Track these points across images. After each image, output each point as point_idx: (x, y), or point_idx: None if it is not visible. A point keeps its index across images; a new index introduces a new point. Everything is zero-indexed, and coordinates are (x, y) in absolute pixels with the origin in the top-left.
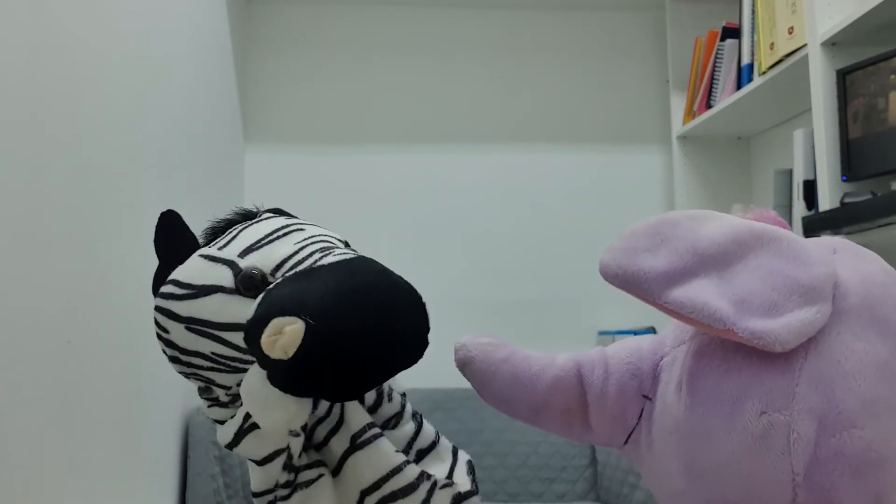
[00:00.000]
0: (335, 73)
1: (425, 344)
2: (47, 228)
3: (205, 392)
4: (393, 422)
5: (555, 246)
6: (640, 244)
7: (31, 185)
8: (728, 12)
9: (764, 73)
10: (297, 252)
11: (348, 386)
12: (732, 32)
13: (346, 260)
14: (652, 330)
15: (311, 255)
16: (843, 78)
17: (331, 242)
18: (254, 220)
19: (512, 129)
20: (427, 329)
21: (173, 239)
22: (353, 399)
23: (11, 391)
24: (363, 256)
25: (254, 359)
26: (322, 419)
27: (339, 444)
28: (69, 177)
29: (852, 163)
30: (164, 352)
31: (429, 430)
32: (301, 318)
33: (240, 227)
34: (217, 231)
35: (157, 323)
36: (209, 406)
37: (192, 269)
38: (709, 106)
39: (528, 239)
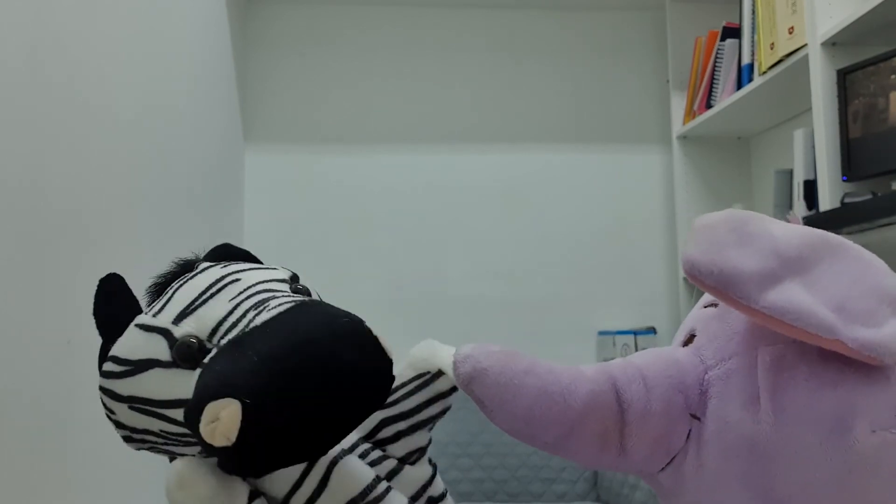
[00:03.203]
0: (335, 73)
1: (388, 382)
2: (47, 228)
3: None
4: (415, 456)
5: (555, 246)
6: (724, 240)
7: (31, 184)
8: (728, 12)
9: (764, 73)
10: (231, 312)
11: (309, 449)
12: (732, 32)
13: (280, 314)
14: (652, 330)
15: (245, 314)
16: (843, 78)
17: (268, 291)
18: (191, 273)
19: (512, 129)
20: (386, 365)
21: (112, 307)
22: (324, 454)
23: (11, 391)
24: (301, 303)
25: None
26: (295, 489)
27: None
28: (69, 176)
29: (852, 163)
30: (117, 431)
31: (439, 481)
32: (236, 399)
33: (176, 284)
34: (159, 288)
35: (103, 404)
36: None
37: (129, 343)
38: (709, 106)
39: (527, 239)
